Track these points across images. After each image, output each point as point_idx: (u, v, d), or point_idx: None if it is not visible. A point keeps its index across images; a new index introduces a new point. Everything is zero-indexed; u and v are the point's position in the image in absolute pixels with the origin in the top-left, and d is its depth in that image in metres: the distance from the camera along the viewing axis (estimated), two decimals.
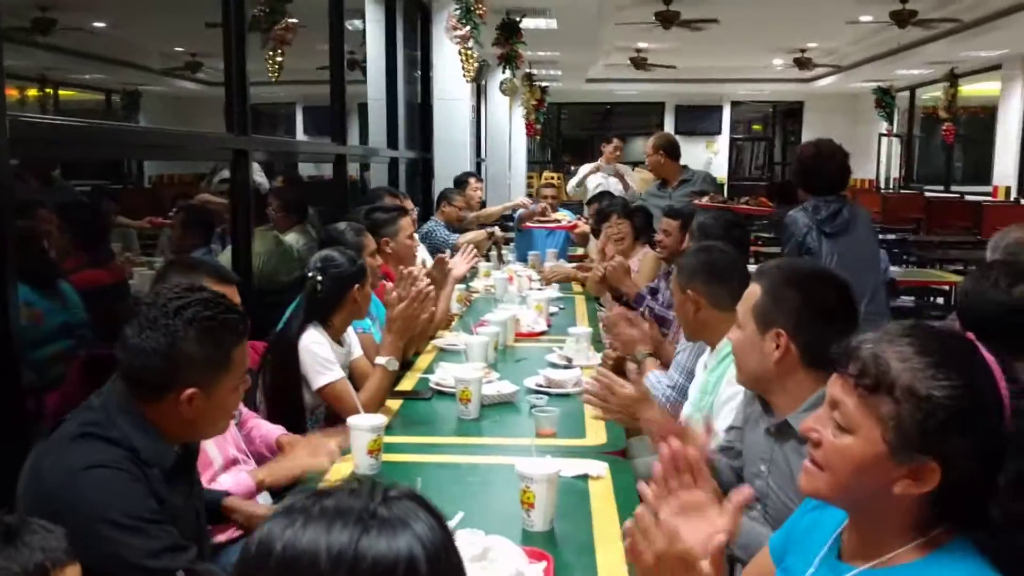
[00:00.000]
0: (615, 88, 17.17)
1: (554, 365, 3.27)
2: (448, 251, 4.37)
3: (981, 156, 14.28)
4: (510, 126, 12.98)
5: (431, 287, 2.92)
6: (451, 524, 0.99)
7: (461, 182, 6.59)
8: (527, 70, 11.65)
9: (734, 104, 18.86)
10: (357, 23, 7.19)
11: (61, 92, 12.36)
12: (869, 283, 3.60)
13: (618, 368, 3.24)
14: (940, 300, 7.24)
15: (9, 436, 2.02)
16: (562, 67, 12.96)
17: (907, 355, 1.14)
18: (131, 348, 1.58)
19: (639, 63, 13.54)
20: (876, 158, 16.56)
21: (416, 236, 4.31)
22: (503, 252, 6.21)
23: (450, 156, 7.65)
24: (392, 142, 6.93)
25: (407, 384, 3.13)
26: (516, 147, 13.94)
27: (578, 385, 3.00)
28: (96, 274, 3.64)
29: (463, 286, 4.48)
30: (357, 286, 2.82)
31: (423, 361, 3.47)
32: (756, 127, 20.67)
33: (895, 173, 16.22)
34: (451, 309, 4.07)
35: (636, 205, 5.40)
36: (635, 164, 9.34)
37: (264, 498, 2.27)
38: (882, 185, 16.36)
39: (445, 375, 3.04)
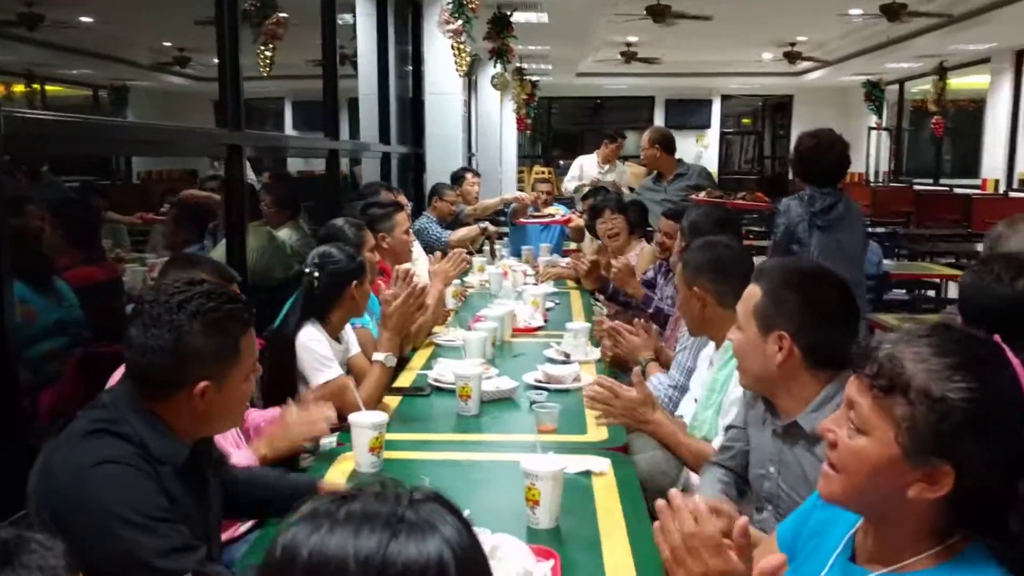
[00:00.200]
0: (605, 82, 17.16)
1: (552, 361, 3.26)
2: (439, 251, 4.34)
3: (969, 149, 14.33)
4: (501, 120, 12.95)
5: (425, 283, 2.91)
6: None
7: (458, 177, 6.58)
8: (518, 64, 11.62)
9: (724, 98, 18.88)
10: (347, 17, 7.15)
11: (48, 88, 12.28)
12: (853, 280, 3.60)
13: (616, 363, 3.24)
14: (931, 293, 7.26)
15: (5, 434, 2.00)
16: (553, 61, 12.95)
17: (924, 356, 1.12)
18: (137, 347, 1.56)
19: (629, 57, 13.54)
20: (865, 151, 16.60)
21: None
22: (496, 247, 6.20)
23: (442, 151, 7.62)
24: (384, 137, 6.91)
25: (404, 381, 3.11)
26: (507, 142, 13.91)
27: (577, 381, 3.00)
28: (90, 271, 3.62)
29: (458, 281, 4.46)
30: (355, 283, 2.80)
31: (420, 357, 3.46)
32: (746, 121, 20.71)
33: (884, 166, 16.27)
34: (446, 305, 4.05)
35: (630, 199, 5.40)
36: (626, 158, 9.35)
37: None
38: (871, 178, 16.40)
39: (444, 371, 3.03)
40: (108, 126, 3.06)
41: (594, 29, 10.50)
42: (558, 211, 6.28)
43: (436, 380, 3.02)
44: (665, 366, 3.22)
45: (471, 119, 11.41)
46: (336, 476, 2.25)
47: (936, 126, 13.48)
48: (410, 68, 7.76)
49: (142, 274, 4.71)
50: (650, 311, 3.97)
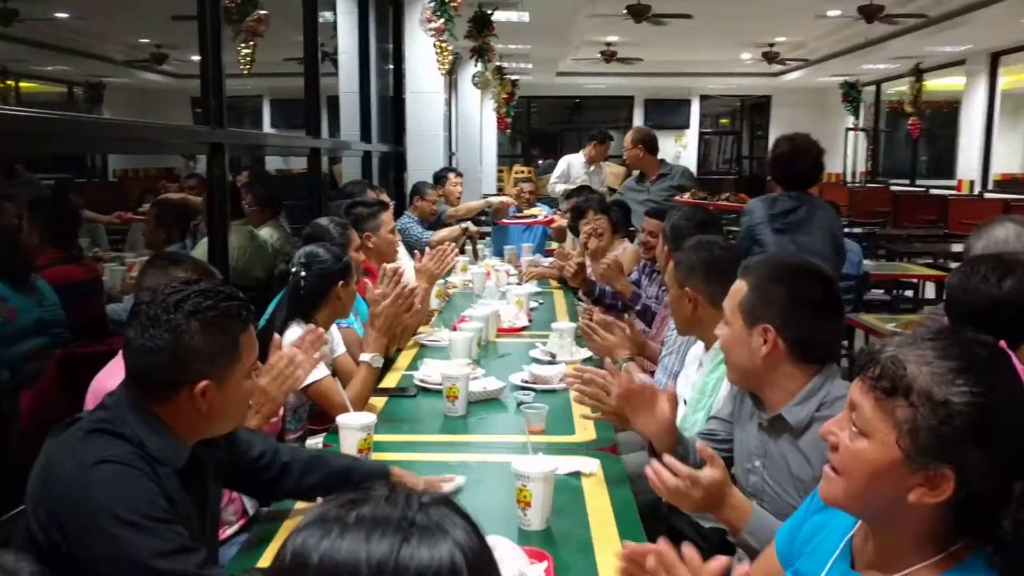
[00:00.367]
0: (585, 82, 17.19)
1: (538, 361, 3.25)
2: (419, 251, 4.32)
3: (944, 150, 14.49)
4: (481, 120, 12.94)
5: (414, 284, 2.89)
6: None
7: (440, 177, 6.55)
8: (498, 63, 11.61)
9: (703, 98, 18.96)
10: (328, 15, 7.11)
11: (22, 84, 12.11)
12: None
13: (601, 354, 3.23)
14: (909, 293, 7.32)
15: None
16: (533, 60, 12.95)
17: (928, 359, 1.12)
18: (136, 349, 1.55)
19: (609, 57, 13.56)
20: (843, 152, 16.73)
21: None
22: (478, 247, 6.19)
23: (423, 150, 7.60)
24: (365, 135, 6.87)
25: (390, 381, 3.09)
26: (487, 141, 13.91)
27: (564, 381, 2.99)
28: (70, 270, 3.57)
29: (441, 281, 4.45)
30: (341, 283, 2.77)
31: (405, 357, 3.44)
32: (724, 121, 20.81)
33: (861, 167, 16.41)
34: (430, 305, 4.04)
35: (613, 199, 5.40)
36: (606, 158, 9.35)
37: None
38: (849, 179, 16.53)
39: (430, 372, 3.02)
40: (88, 123, 3.02)
41: (574, 28, 10.52)
42: (540, 211, 6.28)
43: (422, 381, 3.01)
44: (650, 359, 3.22)
45: (451, 118, 11.38)
46: None
47: (912, 127, 13.61)
48: (391, 66, 7.73)
49: (121, 273, 4.65)
50: (638, 308, 3.98)
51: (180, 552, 1.46)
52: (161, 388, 1.56)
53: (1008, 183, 13.08)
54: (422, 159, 7.49)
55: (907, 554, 1.16)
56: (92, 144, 3.56)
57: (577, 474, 2.21)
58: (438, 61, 6.39)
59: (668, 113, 18.72)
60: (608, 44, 13.17)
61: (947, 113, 14.30)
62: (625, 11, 9.87)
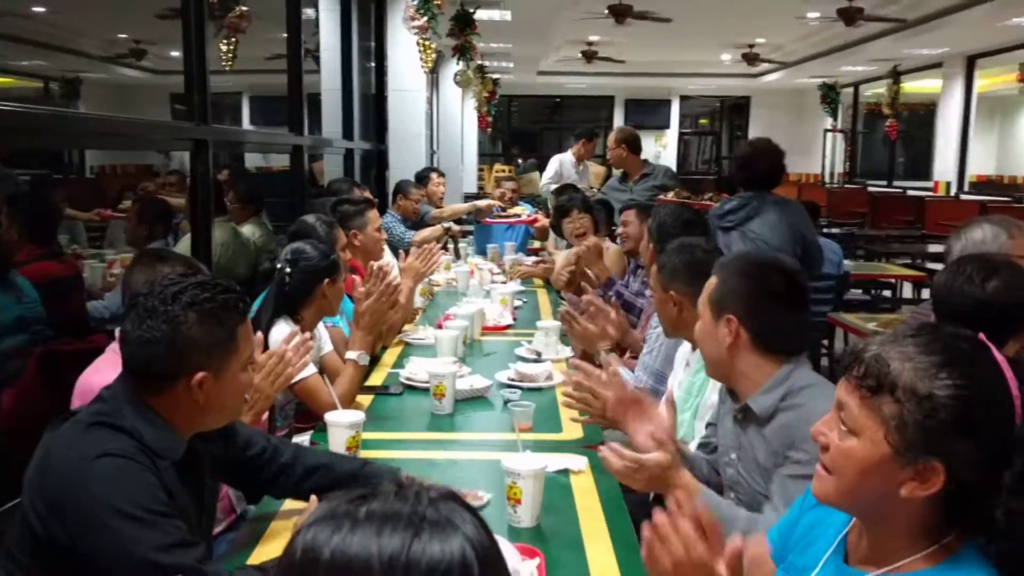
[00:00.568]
0: (565, 81, 17.21)
1: (523, 359, 3.26)
2: (403, 250, 4.31)
3: (920, 152, 14.65)
4: (462, 118, 12.92)
5: (399, 281, 2.89)
6: None
7: (423, 177, 6.53)
8: (479, 62, 11.60)
9: (683, 98, 19.04)
10: (310, 11, 7.08)
11: None
12: None
13: (586, 359, 3.24)
14: (887, 293, 7.40)
15: None
16: (514, 59, 12.95)
17: (910, 355, 1.13)
18: (134, 341, 1.55)
19: (590, 56, 13.59)
20: (821, 153, 16.86)
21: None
22: (460, 247, 6.18)
23: (405, 148, 7.58)
24: (347, 133, 6.85)
25: (376, 379, 3.09)
26: (468, 139, 13.89)
27: (550, 379, 3.00)
28: (50, 267, 3.53)
29: (425, 280, 4.44)
30: (328, 281, 2.76)
31: (390, 355, 3.44)
32: (703, 121, 20.91)
33: (839, 168, 16.54)
34: (415, 304, 4.03)
35: (596, 199, 5.41)
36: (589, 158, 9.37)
37: None
38: (827, 180, 16.67)
39: (416, 370, 3.01)
40: (71, 118, 2.99)
41: (556, 28, 10.54)
42: (523, 210, 6.28)
43: (408, 379, 3.00)
44: (630, 347, 3.22)
45: (433, 117, 11.37)
46: None
47: (890, 129, 13.74)
48: (373, 64, 7.70)
49: (102, 271, 4.61)
50: (610, 294, 4.01)
51: (180, 546, 1.46)
52: (158, 380, 1.57)
53: (983, 185, 13.25)
54: (404, 157, 7.47)
55: (900, 548, 1.17)
56: (74, 139, 3.52)
57: (566, 471, 2.22)
58: (422, 59, 6.38)
59: (648, 113, 18.79)
60: (589, 44, 13.20)
61: (924, 115, 14.47)
62: (607, 11, 9.90)
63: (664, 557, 1.17)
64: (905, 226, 10.50)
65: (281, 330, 2.66)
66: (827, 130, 16.49)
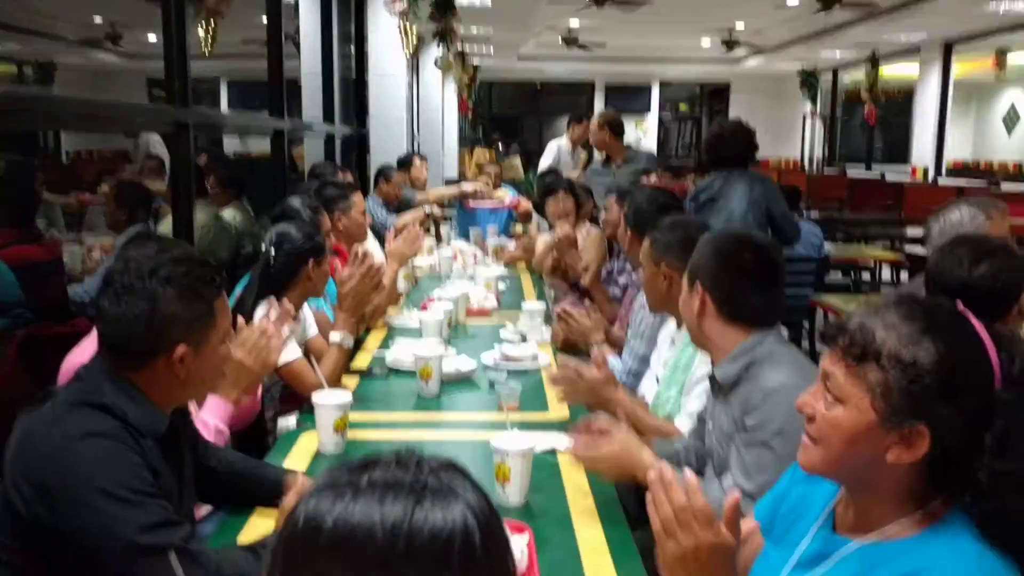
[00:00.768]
0: (546, 67, 17.17)
1: (509, 341, 3.27)
2: (387, 232, 4.30)
3: (898, 137, 14.74)
4: (443, 103, 12.88)
5: (380, 262, 2.89)
6: None
7: (405, 162, 6.50)
8: (460, 47, 11.55)
9: (663, 84, 19.05)
10: None
11: None
12: None
13: (567, 347, 3.27)
14: (866, 276, 7.47)
15: None
16: (494, 44, 12.90)
17: (893, 323, 1.16)
18: (111, 318, 1.55)
19: (570, 42, 13.56)
20: (800, 138, 16.94)
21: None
22: (441, 231, 6.17)
23: (386, 132, 7.55)
24: (328, 117, 6.80)
25: (360, 362, 3.09)
26: (448, 124, 13.85)
27: (535, 360, 3.02)
28: (29, 250, 3.49)
29: (408, 264, 4.43)
30: (313, 262, 2.75)
31: (374, 339, 3.43)
32: (683, 107, 20.93)
33: (819, 153, 16.63)
34: (398, 287, 4.02)
35: (580, 183, 5.42)
36: None
37: None
38: (806, 165, 16.75)
39: (401, 353, 3.01)
40: (49, 100, 2.95)
41: (536, 13, 10.49)
42: (506, 194, 6.28)
43: (394, 361, 3.00)
44: (614, 345, 3.25)
45: (414, 101, 11.32)
46: (299, 457, 2.23)
47: (868, 114, 13.82)
48: (353, 48, 7.65)
49: (81, 255, 4.57)
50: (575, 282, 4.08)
51: (165, 526, 1.46)
52: (138, 356, 1.57)
53: (960, 170, 13.38)
54: (385, 141, 7.44)
55: (886, 514, 1.19)
56: (53, 121, 3.48)
57: (553, 451, 2.23)
58: (403, 42, 6.34)
59: (628, 99, 18.79)
60: (570, 30, 13.16)
61: (902, 101, 14.55)
62: None
63: (666, 504, 1.19)
64: (883, 210, 10.58)
65: (266, 312, 2.65)
66: (806, 115, 16.56)
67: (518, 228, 6.56)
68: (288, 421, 2.60)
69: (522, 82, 19.41)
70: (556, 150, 7.34)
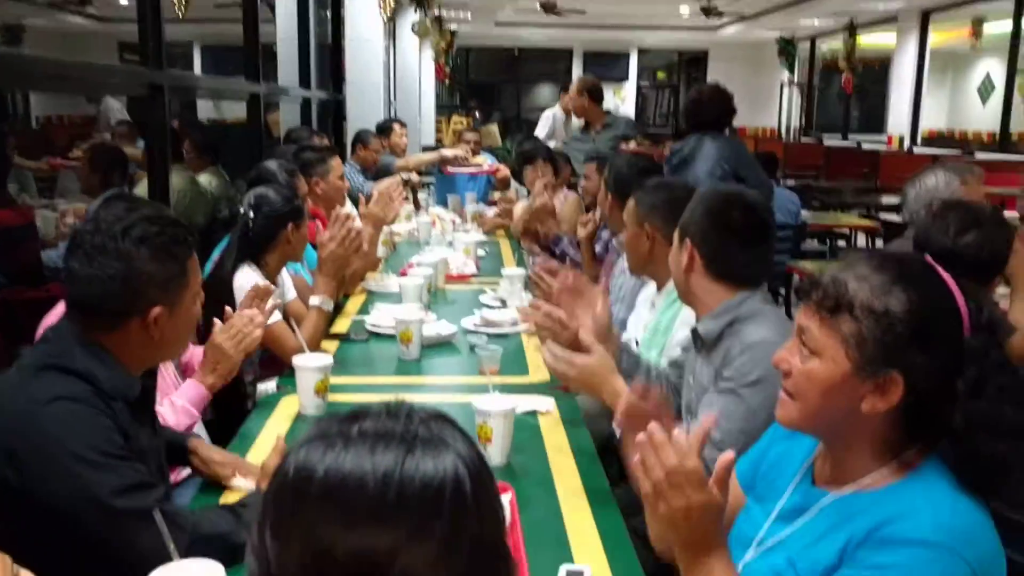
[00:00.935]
0: (524, 33, 17.03)
1: (488, 306, 3.27)
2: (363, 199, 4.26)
3: (875, 106, 14.79)
4: (420, 69, 12.75)
5: (360, 227, 2.88)
6: None
7: (385, 128, 6.44)
8: (437, 12, 11.43)
9: (641, 52, 18.96)
10: None
11: None
12: None
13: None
14: (842, 243, 7.53)
15: None
16: (472, 9, 12.78)
17: (864, 275, 1.19)
18: (83, 279, 1.52)
19: (548, 7, 13.44)
20: (778, 107, 16.95)
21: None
22: (419, 198, 6.14)
23: (363, 98, 7.47)
24: (304, 82, 6.73)
25: (339, 327, 3.08)
26: (425, 90, 13.72)
27: (515, 325, 3.02)
28: (2, 215, 3.46)
29: (386, 230, 4.41)
30: (292, 226, 2.74)
31: (354, 304, 3.43)
32: (661, 75, 20.86)
33: (796, 122, 16.65)
34: (377, 252, 4.01)
35: (558, 150, 5.42)
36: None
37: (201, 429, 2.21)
38: (783, 133, 16.78)
39: (382, 317, 3.01)
40: (20, 59, 2.89)
41: None
42: (485, 160, 6.25)
43: (374, 325, 3.00)
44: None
45: (390, 67, 11.21)
46: (280, 420, 2.23)
47: (845, 83, 13.84)
48: (329, 13, 7.55)
49: (54, 220, 4.51)
50: (557, 251, 4.07)
51: (139, 488, 1.45)
52: (111, 317, 1.54)
53: (935, 139, 13.45)
54: (362, 107, 7.37)
55: (863, 465, 1.22)
56: (24, 81, 3.42)
57: (533, 412, 2.25)
58: (380, 5, 6.26)
59: (607, 66, 18.67)
60: None
61: (878, 70, 14.58)
62: None
63: (657, 466, 1.19)
64: (859, 178, 10.64)
65: (245, 276, 2.64)
66: (784, 84, 16.56)
67: (496, 195, 6.55)
68: (268, 385, 2.59)
69: (499, 48, 19.24)
70: (551, 119, 7.31)
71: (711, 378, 1.88)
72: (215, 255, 2.88)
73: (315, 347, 2.67)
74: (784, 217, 5.39)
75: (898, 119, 12.51)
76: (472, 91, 20.00)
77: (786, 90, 16.64)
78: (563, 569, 1.48)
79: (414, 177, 6.03)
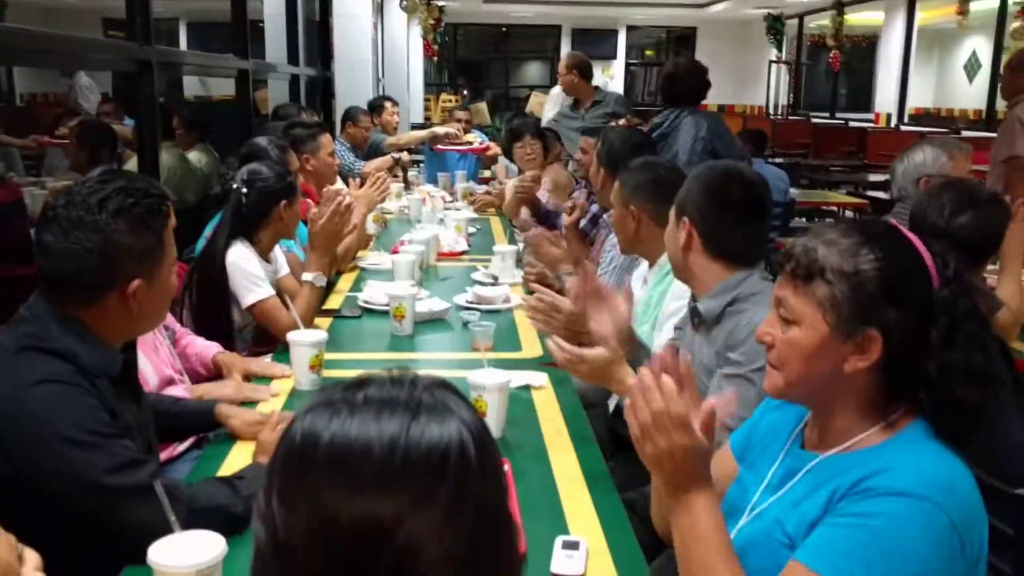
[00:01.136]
0: (512, 9, 16.92)
1: (480, 283, 3.28)
2: (353, 179, 4.27)
3: (862, 84, 14.80)
4: (408, 47, 12.66)
5: (351, 200, 2.88)
6: None
7: (376, 106, 6.40)
8: None
9: (629, 29, 18.87)
10: None
11: None
12: None
13: (539, 283, 3.29)
14: (830, 221, 7.56)
15: None
16: None
17: (833, 240, 1.24)
18: (60, 253, 1.49)
19: None
20: (766, 84, 16.94)
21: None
22: (410, 176, 6.12)
23: (351, 75, 7.44)
24: (292, 58, 6.68)
25: (332, 303, 3.09)
26: (413, 68, 13.63)
27: (507, 301, 3.04)
28: None
29: (377, 207, 4.41)
30: (284, 202, 2.74)
31: (346, 281, 3.43)
32: (649, 52, 20.79)
33: (784, 100, 16.65)
34: (368, 231, 4.01)
35: (546, 127, 5.40)
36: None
37: None
38: (771, 111, 16.78)
39: (374, 293, 3.02)
40: (2, 32, 2.85)
41: None
42: (476, 139, 6.24)
43: (366, 302, 3.01)
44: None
45: (379, 44, 11.13)
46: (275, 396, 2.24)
47: (833, 60, 13.83)
48: None
49: (42, 198, 4.48)
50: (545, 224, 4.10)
51: (130, 465, 1.45)
52: (89, 292, 1.52)
53: (921, 117, 13.49)
54: (351, 84, 7.34)
55: (850, 427, 1.25)
56: (6, 55, 3.38)
57: (527, 387, 2.27)
58: None
59: (595, 44, 18.55)
60: None
61: (866, 48, 14.58)
62: None
63: (644, 408, 1.23)
64: (847, 156, 10.67)
65: (238, 252, 2.64)
66: (772, 61, 16.53)
67: (486, 173, 6.54)
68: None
69: (488, 25, 19.11)
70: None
71: (712, 357, 1.88)
72: (207, 231, 2.88)
73: (309, 323, 2.68)
74: (772, 195, 5.40)
75: (885, 97, 12.52)
76: (460, 68, 19.88)
77: (774, 68, 16.61)
78: (559, 540, 1.50)
79: (404, 157, 6.01)
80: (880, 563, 1.10)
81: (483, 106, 11.63)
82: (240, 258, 2.63)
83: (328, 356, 2.36)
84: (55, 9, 13.77)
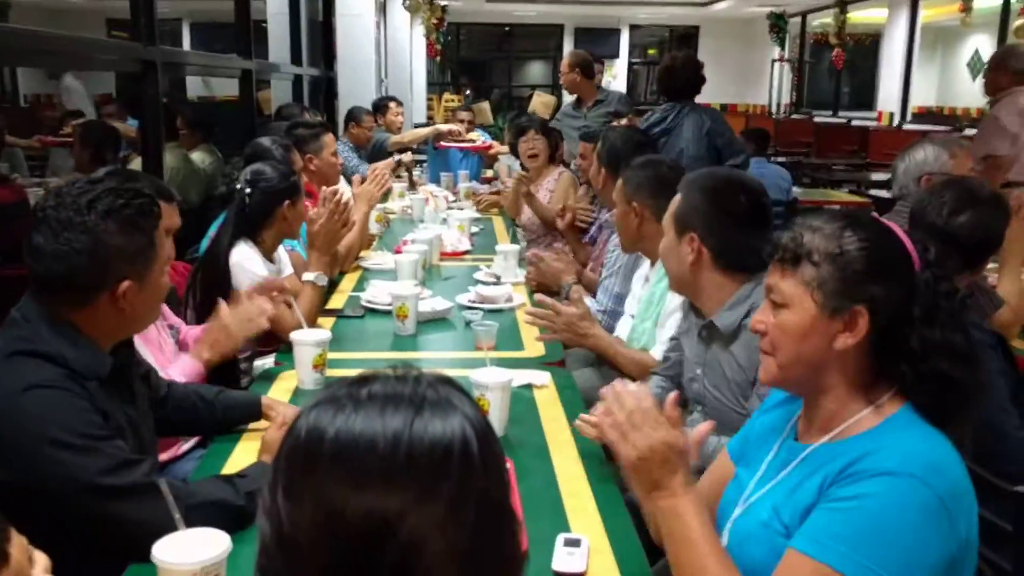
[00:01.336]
0: (514, 8, 16.93)
1: (483, 282, 3.29)
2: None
3: (865, 82, 14.77)
4: (411, 46, 12.67)
5: (349, 200, 2.90)
6: None
7: (381, 106, 6.41)
8: None
9: (632, 28, 18.87)
10: None
11: None
12: None
13: (540, 290, 3.30)
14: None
15: None
16: None
17: (817, 225, 1.29)
18: (50, 255, 1.49)
19: None
20: (768, 83, 16.92)
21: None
22: (414, 176, 6.13)
23: (354, 75, 7.45)
24: (295, 59, 6.69)
25: (335, 303, 3.10)
26: (416, 68, 13.65)
27: (510, 301, 3.05)
28: None
29: (380, 207, 4.42)
30: (288, 202, 2.75)
31: (349, 281, 3.44)
32: (652, 51, 20.77)
33: (786, 99, 16.62)
34: (371, 230, 4.02)
35: (551, 126, 5.40)
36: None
37: None
38: (773, 110, 16.76)
39: (377, 293, 3.03)
40: (7, 32, 2.86)
41: None
42: (479, 137, 6.25)
43: (369, 302, 3.02)
44: (587, 288, 3.29)
45: (382, 44, 11.14)
46: (279, 395, 2.25)
47: (836, 59, 13.81)
48: None
49: None
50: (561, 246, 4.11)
51: (124, 466, 1.46)
52: (80, 293, 1.52)
53: (924, 116, 13.46)
54: (354, 84, 7.35)
55: (840, 411, 1.29)
56: (11, 56, 3.39)
57: (529, 386, 2.27)
58: None
59: (598, 43, 18.54)
60: None
61: (869, 46, 14.55)
62: None
63: (617, 411, 1.31)
64: (850, 155, 10.66)
65: (243, 252, 2.65)
66: (775, 60, 16.51)
67: (488, 172, 6.55)
68: (266, 361, 2.61)
69: (490, 25, 19.12)
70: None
71: (738, 371, 1.87)
72: (211, 231, 2.89)
73: (311, 323, 2.69)
74: (775, 194, 5.41)
75: (888, 95, 12.51)
76: (463, 68, 19.88)
77: (777, 66, 16.59)
78: (560, 538, 1.51)
79: (406, 156, 6.01)
80: (873, 541, 1.13)
81: (486, 106, 11.62)
82: (244, 258, 2.64)
83: (331, 355, 2.37)
84: (60, 10, 13.80)
